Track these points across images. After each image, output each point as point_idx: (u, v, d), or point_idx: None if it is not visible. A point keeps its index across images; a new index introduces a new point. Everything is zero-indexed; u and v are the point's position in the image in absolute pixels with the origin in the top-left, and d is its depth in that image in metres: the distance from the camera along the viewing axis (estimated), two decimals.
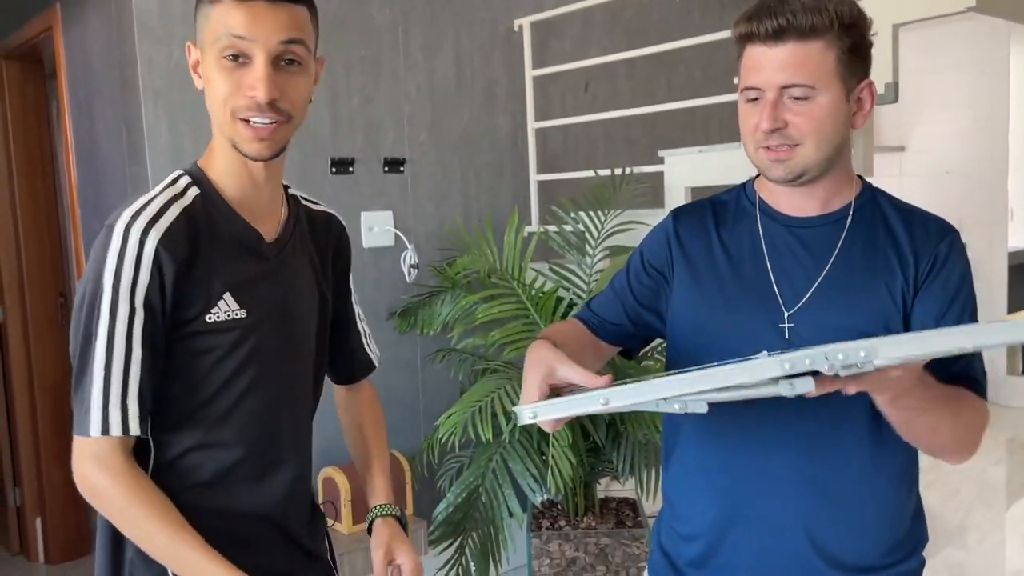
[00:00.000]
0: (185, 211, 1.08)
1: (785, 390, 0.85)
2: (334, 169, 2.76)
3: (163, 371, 1.07)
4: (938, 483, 4.11)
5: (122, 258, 1.03)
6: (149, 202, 1.07)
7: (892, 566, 1.17)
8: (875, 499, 1.16)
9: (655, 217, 2.08)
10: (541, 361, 1.02)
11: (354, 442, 1.45)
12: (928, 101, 5.53)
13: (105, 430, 1.03)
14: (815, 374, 0.85)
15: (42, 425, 3.39)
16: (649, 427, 2.33)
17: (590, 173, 2.90)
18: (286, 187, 1.23)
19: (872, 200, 1.18)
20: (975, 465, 4.32)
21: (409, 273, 2.90)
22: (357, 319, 1.40)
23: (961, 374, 1.11)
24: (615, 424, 2.44)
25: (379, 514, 1.30)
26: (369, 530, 1.31)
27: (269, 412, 1.16)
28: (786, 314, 1.14)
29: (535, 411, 0.95)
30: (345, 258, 1.34)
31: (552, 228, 2.86)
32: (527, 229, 3.07)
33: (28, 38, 3.16)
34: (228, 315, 1.09)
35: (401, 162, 2.93)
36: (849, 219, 1.16)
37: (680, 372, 0.88)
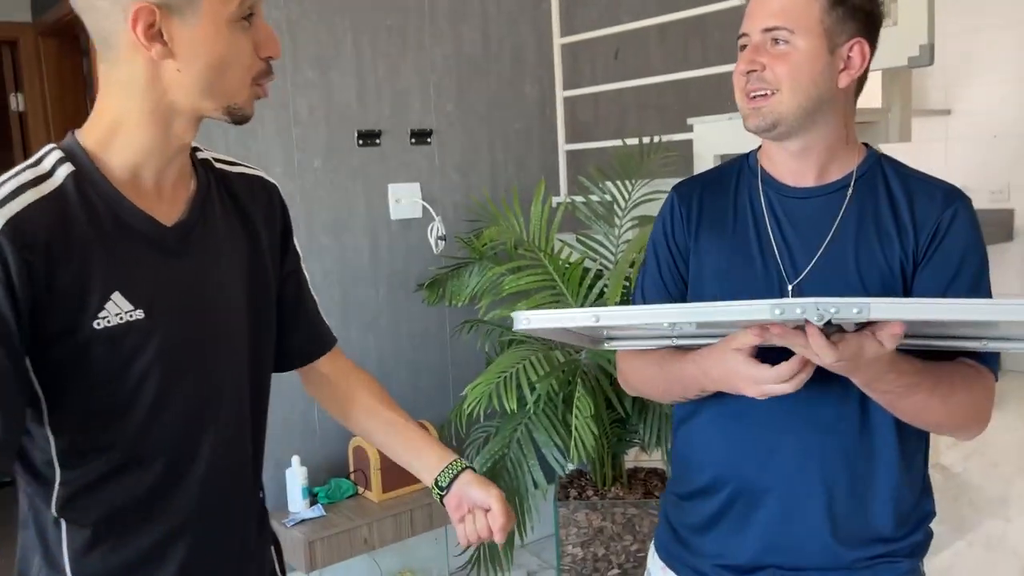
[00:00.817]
0: (49, 196, 0.89)
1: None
2: (361, 141, 2.77)
3: (56, 391, 0.91)
4: (977, 454, 4.03)
5: None
6: None
7: (900, 539, 1.16)
8: (886, 473, 1.14)
9: None
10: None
11: (369, 421, 1.27)
12: (975, 62, 5.34)
13: None
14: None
15: None
16: None
17: (618, 142, 2.87)
18: (195, 149, 1.05)
19: (876, 169, 1.16)
20: (1017, 436, 4.23)
21: (436, 245, 2.91)
22: (309, 287, 1.21)
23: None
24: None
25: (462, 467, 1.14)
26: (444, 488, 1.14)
27: (194, 420, 1.01)
28: (789, 287, 1.12)
29: (529, 318, 0.98)
30: (284, 222, 1.15)
31: (579, 199, 2.84)
32: (555, 200, 3.05)
33: (63, 14, 3.21)
34: (121, 318, 0.91)
35: (428, 133, 2.92)
36: (850, 189, 1.14)
37: (674, 305, 0.91)
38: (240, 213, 1.07)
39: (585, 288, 2.60)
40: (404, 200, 2.87)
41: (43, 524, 0.98)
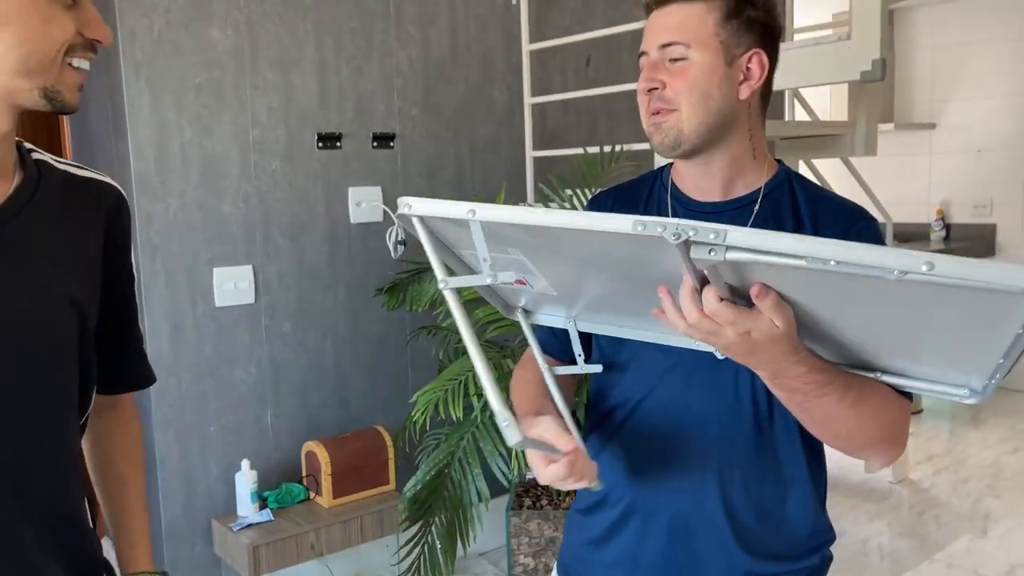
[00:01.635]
0: None
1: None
2: (321, 144, 2.75)
3: None
4: (948, 471, 4.01)
5: None
6: None
7: (799, 558, 1.15)
8: (785, 491, 1.14)
9: None
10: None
11: (106, 482, 1.14)
12: (962, 77, 5.33)
13: None
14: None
15: None
16: None
17: (580, 150, 2.85)
18: (29, 149, 0.99)
19: (785, 186, 1.14)
20: (988, 453, 4.21)
21: (396, 249, 2.89)
22: (136, 312, 1.13)
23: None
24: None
25: None
26: None
27: None
28: None
29: (410, 203, 0.94)
30: (122, 235, 1.06)
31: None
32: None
33: None
34: None
35: (391, 137, 2.90)
36: (757, 206, 1.12)
37: (555, 211, 0.88)
38: (76, 220, 1.00)
39: None
40: (364, 204, 2.86)
41: None
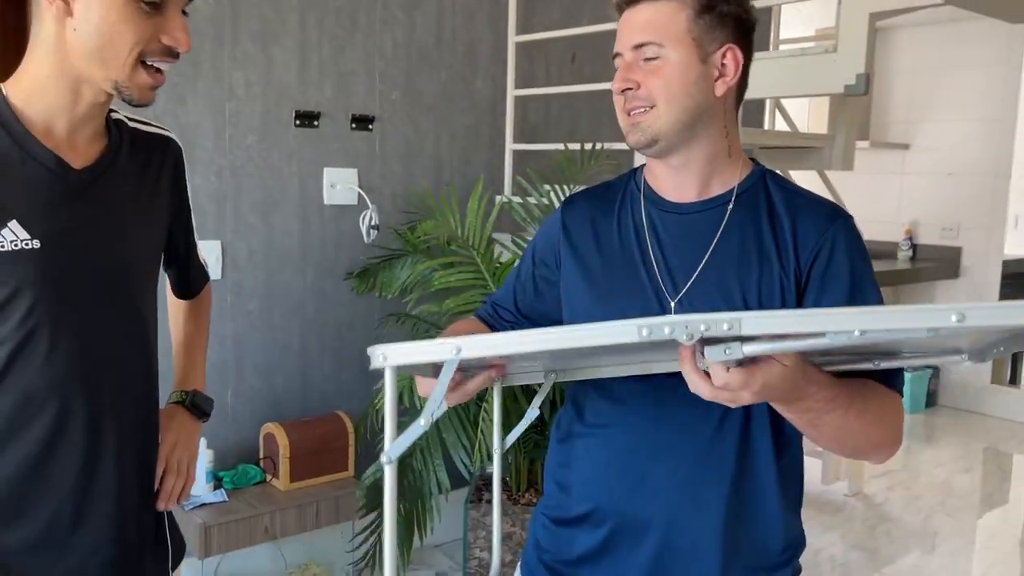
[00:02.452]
0: None
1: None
2: (298, 122, 2.71)
3: None
4: (901, 487, 4.07)
5: None
6: None
7: (783, 566, 1.14)
8: (770, 500, 1.12)
9: None
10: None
11: (186, 335, 1.43)
12: (937, 100, 5.40)
13: None
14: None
15: None
16: None
17: (561, 146, 2.84)
18: (110, 110, 1.15)
19: (760, 185, 1.13)
20: (941, 472, 4.27)
21: (368, 234, 2.85)
22: (194, 236, 1.37)
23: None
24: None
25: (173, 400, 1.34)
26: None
27: (86, 349, 1.09)
28: (672, 304, 1.09)
29: (385, 353, 0.87)
30: (183, 179, 1.28)
31: (519, 200, 2.81)
32: (497, 198, 3.01)
33: None
34: (15, 245, 1.00)
35: (370, 119, 2.86)
36: (731, 204, 1.11)
37: (541, 330, 0.83)
38: (145, 167, 1.18)
39: None
40: (340, 185, 2.81)
41: None
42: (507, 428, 2.35)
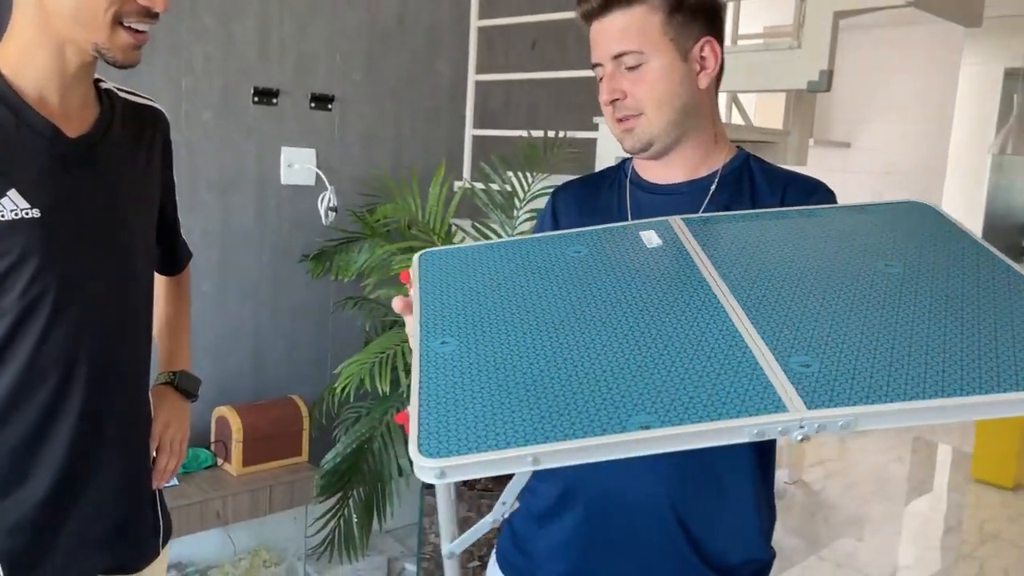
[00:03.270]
0: None
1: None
2: (256, 99, 2.64)
3: None
4: (838, 475, 4.20)
5: None
6: None
7: (751, 562, 1.16)
8: (744, 489, 1.13)
9: None
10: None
11: (169, 314, 1.42)
12: (878, 100, 5.57)
13: None
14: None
15: None
16: None
17: (524, 133, 2.84)
18: (99, 80, 1.15)
19: (744, 167, 1.16)
20: (877, 460, 4.44)
21: (327, 216, 2.81)
22: (177, 209, 1.36)
23: None
24: None
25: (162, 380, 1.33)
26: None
27: (89, 318, 1.08)
28: None
29: (444, 468, 0.64)
30: (171, 151, 1.29)
31: (480, 185, 2.80)
32: (456, 184, 2.99)
33: None
34: (15, 214, 1.00)
35: (330, 99, 2.82)
36: (714, 185, 1.13)
37: (641, 433, 0.65)
38: (138, 138, 1.17)
39: None
40: (297, 165, 2.76)
41: None
42: None
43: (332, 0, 2.78)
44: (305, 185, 2.80)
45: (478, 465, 0.63)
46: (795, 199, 1.12)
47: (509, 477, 1.05)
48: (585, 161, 2.74)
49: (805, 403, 0.64)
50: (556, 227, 1.21)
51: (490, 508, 2.65)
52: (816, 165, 5.74)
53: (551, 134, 2.78)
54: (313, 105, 2.78)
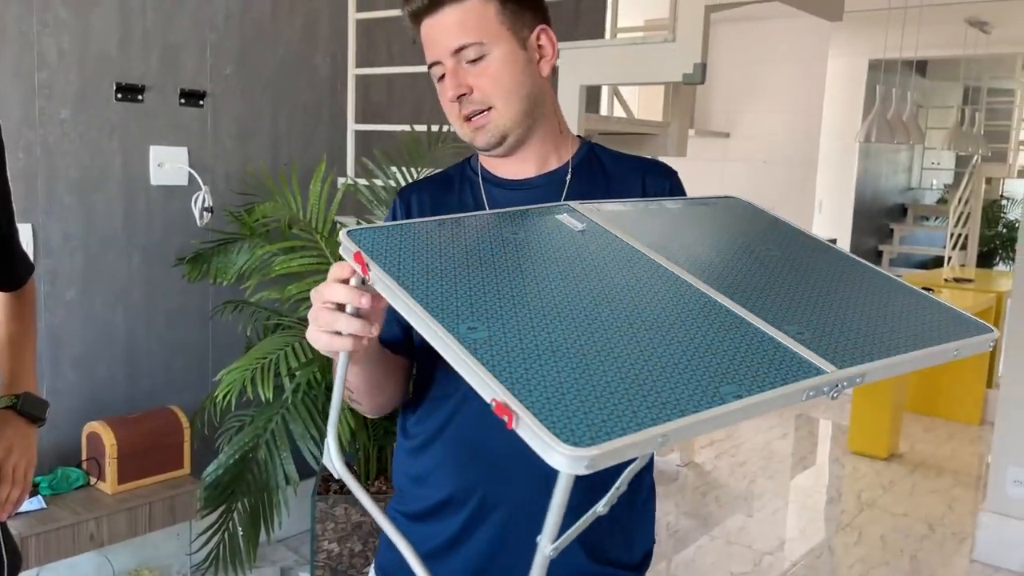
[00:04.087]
0: None
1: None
2: (119, 95, 2.50)
3: None
4: (727, 454, 4.35)
5: None
6: None
7: (640, 566, 1.16)
8: (645, 483, 1.14)
9: None
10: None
11: (11, 333, 1.32)
12: (755, 92, 5.77)
13: None
14: None
15: None
16: None
17: (408, 127, 2.79)
18: None
19: (592, 155, 1.17)
20: (762, 438, 4.61)
21: (202, 216, 2.69)
22: (15, 220, 1.26)
23: None
24: None
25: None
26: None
27: None
28: None
29: (591, 458, 0.58)
30: (2, 155, 1.18)
31: (364, 181, 2.74)
32: (340, 180, 2.92)
33: None
34: None
35: (201, 95, 2.69)
36: (569, 175, 1.13)
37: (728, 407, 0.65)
38: None
39: None
40: (168, 165, 2.63)
41: None
42: (359, 421, 2.29)
43: None
44: (177, 185, 2.66)
45: (623, 449, 0.59)
46: (655, 184, 1.14)
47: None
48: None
49: (835, 365, 0.70)
50: None
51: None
52: (696, 155, 5.91)
53: (435, 128, 2.75)
54: (183, 101, 2.65)
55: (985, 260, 8.53)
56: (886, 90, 5.22)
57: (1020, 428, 3.13)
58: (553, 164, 1.14)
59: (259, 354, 2.24)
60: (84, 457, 2.45)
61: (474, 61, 1.04)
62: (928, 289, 4.86)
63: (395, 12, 3.05)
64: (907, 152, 8.94)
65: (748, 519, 3.57)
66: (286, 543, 3.02)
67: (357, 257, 0.78)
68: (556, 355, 0.68)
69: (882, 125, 5.02)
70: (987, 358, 4.85)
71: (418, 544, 1.14)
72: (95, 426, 2.42)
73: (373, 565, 1.24)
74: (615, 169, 1.15)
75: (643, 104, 5.84)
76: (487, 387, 0.62)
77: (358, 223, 2.63)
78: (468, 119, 1.07)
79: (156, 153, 2.60)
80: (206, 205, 2.68)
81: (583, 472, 0.58)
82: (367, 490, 2.54)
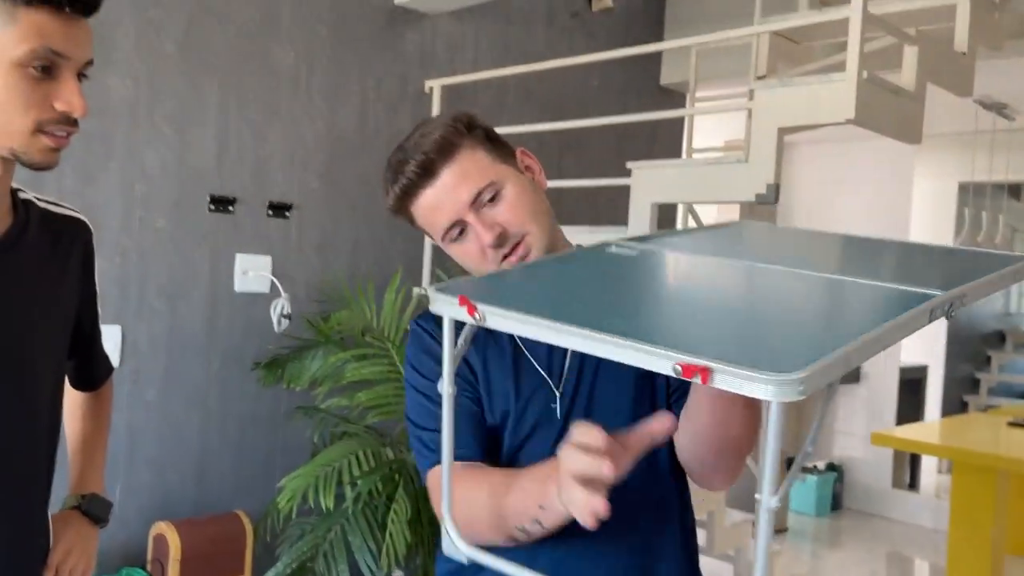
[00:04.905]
0: None
1: None
2: (212, 206, 2.64)
3: None
4: None
5: None
6: None
7: None
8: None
9: None
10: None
11: (85, 432, 1.36)
12: (834, 211, 5.70)
13: None
14: None
15: None
16: None
17: None
18: (16, 191, 1.12)
19: None
20: None
21: (279, 323, 2.76)
22: (99, 323, 1.30)
23: None
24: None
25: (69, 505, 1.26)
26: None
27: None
28: (557, 396, 1.09)
29: (802, 379, 0.57)
30: (92, 263, 1.23)
31: None
32: (415, 290, 2.97)
33: None
34: None
35: (288, 207, 2.82)
36: None
37: None
38: (55, 249, 1.14)
39: None
40: (252, 273, 2.73)
41: None
42: (417, 534, 2.24)
43: (289, 111, 2.82)
44: (259, 292, 2.76)
45: (826, 370, 0.60)
46: None
47: None
48: None
49: (941, 291, 0.75)
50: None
51: None
52: None
53: None
54: (270, 213, 2.78)
55: None
56: (976, 212, 5.08)
57: None
58: None
59: (324, 461, 2.25)
60: (150, 558, 2.47)
61: (492, 200, 1.05)
62: None
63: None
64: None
65: None
66: None
67: (462, 300, 0.76)
68: (705, 327, 0.72)
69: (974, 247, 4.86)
70: None
71: None
72: (162, 527, 2.44)
73: None
74: None
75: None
76: (663, 358, 0.62)
77: None
78: (507, 256, 1.05)
79: (242, 261, 2.71)
80: (285, 312, 2.76)
81: (798, 397, 0.57)
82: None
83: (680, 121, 4.06)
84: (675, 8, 4.04)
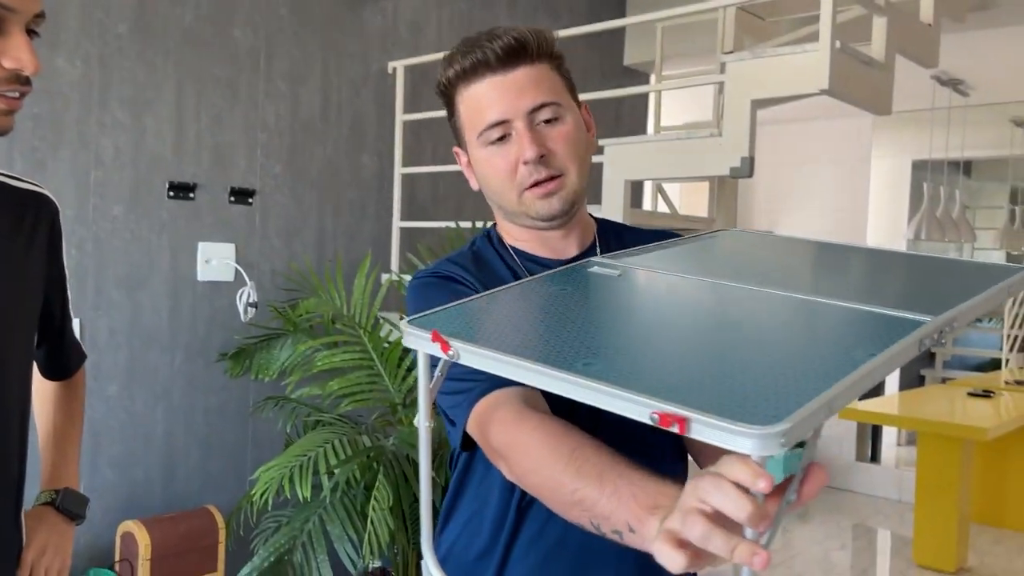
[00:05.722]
0: None
1: None
2: (172, 193, 2.54)
3: None
4: (783, 565, 4.11)
5: None
6: None
7: None
8: None
9: None
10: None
11: (56, 424, 1.27)
12: (799, 190, 5.76)
13: None
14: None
15: None
16: None
17: (452, 223, 2.79)
18: None
19: (608, 227, 1.14)
20: (818, 549, 4.36)
21: (246, 312, 2.68)
22: (70, 308, 1.22)
23: None
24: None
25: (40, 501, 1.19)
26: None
27: None
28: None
29: (784, 431, 0.54)
30: (59, 240, 1.15)
31: (407, 276, 2.73)
32: (384, 276, 2.91)
33: None
34: None
35: (250, 193, 2.73)
36: (598, 251, 1.08)
37: None
38: (19, 226, 1.06)
39: (403, 370, 2.46)
40: (215, 261, 2.65)
41: None
42: (399, 521, 2.20)
43: (249, 95, 2.74)
44: (223, 281, 2.68)
45: (809, 418, 0.57)
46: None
47: None
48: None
49: (930, 316, 0.73)
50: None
51: None
52: None
53: (479, 224, 2.75)
54: (232, 199, 2.69)
55: None
56: (934, 189, 5.17)
57: None
58: (588, 240, 1.10)
59: (298, 451, 2.19)
60: (117, 559, 2.38)
61: (549, 122, 0.99)
62: (988, 392, 4.66)
63: (440, 113, 3.11)
64: (956, 252, 8.81)
65: None
66: None
67: (435, 336, 0.73)
68: (682, 366, 0.68)
69: (932, 223, 4.94)
70: None
71: None
72: (130, 526, 2.35)
73: None
74: (632, 240, 1.11)
75: (685, 201, 5.86)
76: (640, 405, 0.60)
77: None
78: (535, 185, 0.99)
79: (204, 249, 2.63)
80: (251, 301, 2.68)
81: (778, 451, 0.53)
82: None
83: (645, 101, 4.05)
84: None
